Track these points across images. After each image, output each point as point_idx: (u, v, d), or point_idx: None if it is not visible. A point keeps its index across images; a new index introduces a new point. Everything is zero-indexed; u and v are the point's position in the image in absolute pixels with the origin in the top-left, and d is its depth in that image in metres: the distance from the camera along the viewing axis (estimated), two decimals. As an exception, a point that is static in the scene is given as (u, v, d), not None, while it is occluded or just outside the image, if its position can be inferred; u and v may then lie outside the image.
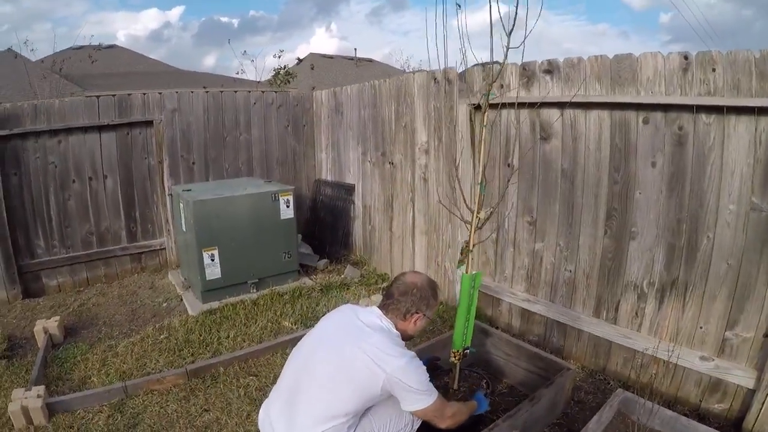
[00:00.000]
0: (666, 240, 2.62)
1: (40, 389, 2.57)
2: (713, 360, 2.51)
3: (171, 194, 4.52)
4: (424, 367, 1.90)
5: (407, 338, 2.11)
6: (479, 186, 2.19)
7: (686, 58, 2.36)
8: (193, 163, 4.84)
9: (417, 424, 2.05)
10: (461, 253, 2.28)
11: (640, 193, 2.69)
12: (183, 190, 3.99)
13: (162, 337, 3.39)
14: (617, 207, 2.80)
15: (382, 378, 1.80)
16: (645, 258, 2.72)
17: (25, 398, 2.49)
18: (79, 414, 2.57)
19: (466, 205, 2.31)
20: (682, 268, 2.58)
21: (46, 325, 3.37)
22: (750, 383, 2.38)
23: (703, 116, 2.38)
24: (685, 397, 2.67)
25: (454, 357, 2.40)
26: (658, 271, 2.67)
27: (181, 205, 3.93)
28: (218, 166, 4.99)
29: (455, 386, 2.46)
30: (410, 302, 2.05)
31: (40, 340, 3.31)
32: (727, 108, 2.26)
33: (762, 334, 2.35)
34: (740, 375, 2.42)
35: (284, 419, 1.91)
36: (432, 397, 1.86)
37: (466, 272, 2.25)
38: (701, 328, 2.55)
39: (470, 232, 2.23)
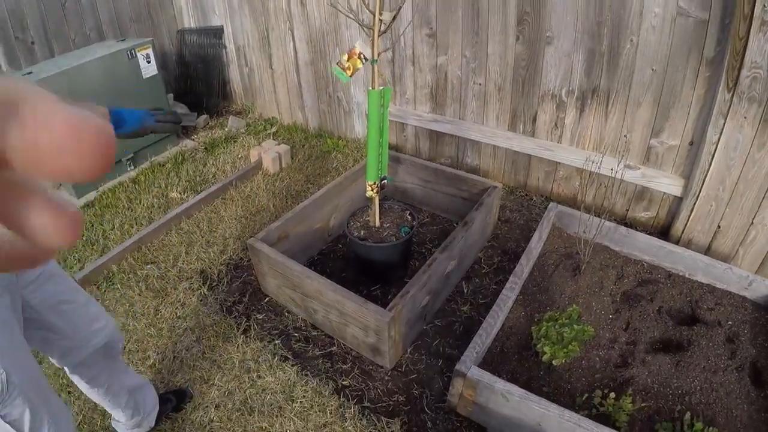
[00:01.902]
0: (585, 45, 2.40)
1: None
2: (639, 168, 2.52)
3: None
4: None
5: None
6: None
7: None
8: (33, 43, 3.74)
9: None
10: (347, 59, 1.94)
11: (555, -7, 2.37)
12: (23, 75, 3.10)
13: (42, 251, 2.83)
14: (529, 10, 2.49)
15: None
16: (563, 65, 2.52)
17: None
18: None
19: (367, 8, 1.85)
20: (604, 74, 2.42)
21: None
22: (677, 191, 2.43)
23: None
24: (610, 207, 2.72)
25: (371, 190, 2.14)
26: (578, 78, 2.51)
27: (26, 93, 3.03)
28: (63, 40, 3.89)
29: (377, 223, 2.24)
30: None
31: None
32: None
33: (687, 141, 2.35)
34: (667, 183, 2.46)
35: None
36: None
37: (372, 88, 1.93)
38: (625, 136, 2.51)
39: (373, 39, 1.86)
